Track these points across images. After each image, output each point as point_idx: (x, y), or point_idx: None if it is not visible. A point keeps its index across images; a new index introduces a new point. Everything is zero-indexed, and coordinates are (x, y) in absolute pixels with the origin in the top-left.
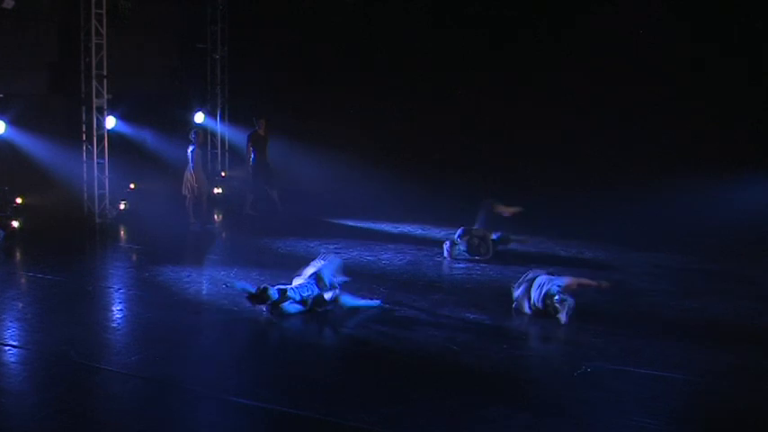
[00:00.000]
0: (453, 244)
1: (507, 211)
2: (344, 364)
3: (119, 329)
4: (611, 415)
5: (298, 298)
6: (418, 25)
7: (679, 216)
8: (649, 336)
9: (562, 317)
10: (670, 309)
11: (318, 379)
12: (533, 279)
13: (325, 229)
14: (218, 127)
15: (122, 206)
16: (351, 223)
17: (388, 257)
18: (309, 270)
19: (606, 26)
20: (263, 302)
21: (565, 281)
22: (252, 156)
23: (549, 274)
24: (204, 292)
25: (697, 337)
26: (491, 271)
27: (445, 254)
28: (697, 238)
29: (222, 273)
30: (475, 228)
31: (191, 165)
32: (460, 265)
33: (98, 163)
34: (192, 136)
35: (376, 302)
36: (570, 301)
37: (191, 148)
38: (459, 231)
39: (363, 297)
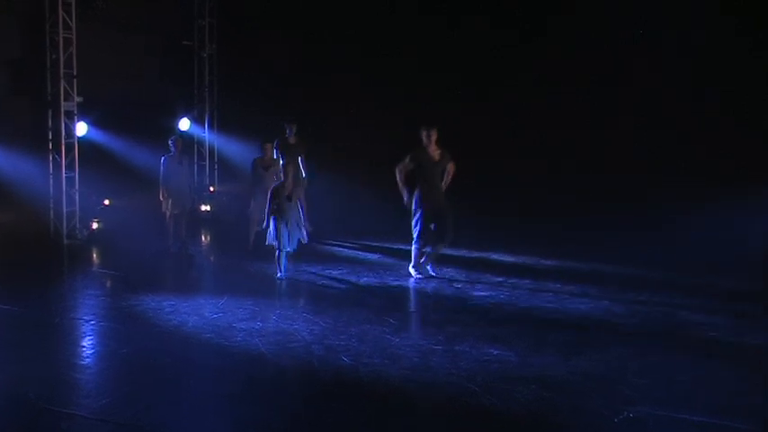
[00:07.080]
0: None
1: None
2: (350, 404)
3: (88, 368)
4: None
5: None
6: (423, 24)
7: (724, 236)
8: (704, 375)
9: None
10: (727, 344)
11: (319, 421)
12: None
13: (328, 251)
14: (206, 134)
15: (95, 225)
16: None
17: (398, 283)
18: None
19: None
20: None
21: None
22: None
23: None
24: (188, 325)
25: (761, 379)
26: (517, 300)
27: None
28: (748, 263)
29: (209, 302)
30: None
31: (160, 177)
32: (481, 293)
33: (67, 176)
34: (170, 143)
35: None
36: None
37: (162, 158)
38: None
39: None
